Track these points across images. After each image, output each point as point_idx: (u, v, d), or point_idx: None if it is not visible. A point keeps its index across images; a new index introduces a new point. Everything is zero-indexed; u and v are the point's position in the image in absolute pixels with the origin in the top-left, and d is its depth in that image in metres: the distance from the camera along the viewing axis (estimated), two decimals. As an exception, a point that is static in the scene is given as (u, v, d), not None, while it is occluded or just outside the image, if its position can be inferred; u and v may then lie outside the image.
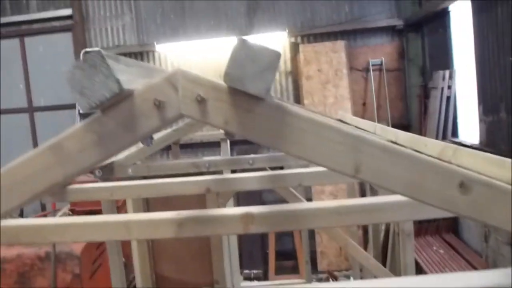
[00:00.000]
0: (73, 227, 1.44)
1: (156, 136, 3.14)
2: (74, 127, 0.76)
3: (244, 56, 0.67)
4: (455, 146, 1.92)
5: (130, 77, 0.77)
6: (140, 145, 3.04)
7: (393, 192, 0.79)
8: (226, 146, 5.32)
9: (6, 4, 9.62)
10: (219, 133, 4.51)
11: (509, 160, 1.52)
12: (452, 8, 7.50)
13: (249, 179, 2.18)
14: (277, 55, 0.68)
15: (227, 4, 9.22)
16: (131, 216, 1.51)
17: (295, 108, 0.75)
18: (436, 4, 7.48)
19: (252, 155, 2.89)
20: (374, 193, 3.78)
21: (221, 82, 0.73)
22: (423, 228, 7.31)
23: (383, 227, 4.76)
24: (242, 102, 0.72)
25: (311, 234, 7.60)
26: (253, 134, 0.75)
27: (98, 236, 1.53)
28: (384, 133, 3.02)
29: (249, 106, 0.73)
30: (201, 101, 0.72)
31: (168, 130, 2.98)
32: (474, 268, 5.86)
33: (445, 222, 7.27)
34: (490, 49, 6.15)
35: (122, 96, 0.72)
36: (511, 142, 5.71)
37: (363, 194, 6.37)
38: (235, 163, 2.86)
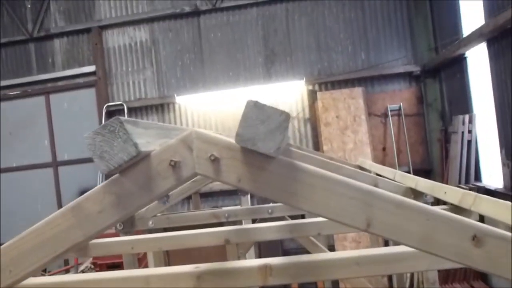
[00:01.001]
0: (94, 283, 1.45)
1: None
2: (94, 189, 0.80)
3: (254, 117, 0.71)
4: (475, 193, 1.91)
5: (148, 139, 0.81)
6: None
7: (407, 245, 0.79)
8: (246, 195, 5.34)
9: (33, 63, 10.10)
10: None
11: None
12: (469, 54, 7.57)
13: (268, 229, 2.18)
14: (286, 116, 0.71)
15: (245, 55, 9.51)
16: (150, 270, 1.52)
17: (306, 165, 0.77)
18: (452, 50, 7.57)
19: (271, 204, 2.90)
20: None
21: (233, 141, 0.77)
22: (450, 275, 7.06)
23: (408, 275, 4.62)
24: (254, 160, 0.75)
25: (335, 282, 7.40)
26: (265, 191, 0.77)
27: (117, 291, 1.54)
28: (404, 180, 3.01)
29: (261, 164, 0.76)
30: (214, 160, 0.75)
31: (188, 182, 3.03)
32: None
33: (473, 269, 6.99)
34: (509, 93, 6.14)
35: (140, 158, 0.76)
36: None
37: (386, 240, 6.23)
38: (254, 212, 2.87)
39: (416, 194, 2.72)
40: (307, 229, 2.19)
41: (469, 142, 7.42)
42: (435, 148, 9.01)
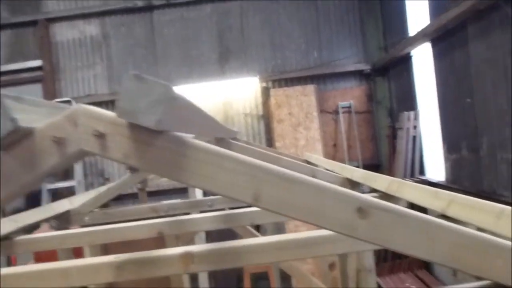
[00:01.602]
0: (7, 278, 1.40)
1: (116, 182, 3.12)
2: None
3: (135, 90, 0.70)
4: (399, 180, 1.97)
5: (36, 116, 0.79)
6: (97, 192, 3.01)
7: (294, 218, 0.81)
8: (194, 191, 5.30)
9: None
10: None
11: (442, 191, 1.57)
12: (414, 53, 7.82)
13: (202, 219, 2.17)
14: (167, 88, 0.71)
15: (199, 52, 9.44)
16: (68, 263, 1.48)
17: (194, 141, 0.77)
18: (399, 50, 7.80)
19: (211, 197, 2.89)
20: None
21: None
22: (395, 265, 7.29)
23: (353, 266, 4.72)
24: (140, 135, 0.74)
25: (287, 277, 7.47)
26: (153, 167, 0.76)
27: (35, 286, 1.49)
28: (342, 171, 3.08)
29: (147, 139, 0.75)
30: (100, 136, 0.74)
31: (126, 176, 2.97)
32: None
33: (417, 259, 7.25)
34: (450, 91, 6.39)
35: (22, 134, 0.73)
36: (473, 178, 5.83)
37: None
38: (194, 206, 2.85)
39: (353, 184, 2.79)
40: (240, 219, 2.20)
41: (414, 137, 7.68)
42: (384, 144, 9.26)
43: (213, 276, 8.01)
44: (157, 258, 1.47)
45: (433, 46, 6.83)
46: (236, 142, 3.02)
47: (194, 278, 6.94)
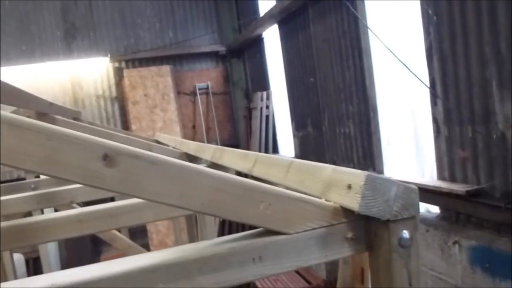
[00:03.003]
0: None
1: None
2: None
3: None
4: (223, 148, 1.99)
5: None
6: None
7: (24, 170, 0.72)
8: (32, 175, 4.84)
9: None
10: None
11: (251, 153, 1.60)
12: (265, 34, 8.10)
13: (13, 201, 1.95)
14: None
15: (40, 28, 8.60)
16: None
17: None
18: (251, 31, 8.01)
19: (35, 179, 2.63)
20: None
21: None
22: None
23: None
24: None
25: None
26: None
27: None
28: (181, 146, 3.04)
29: None
30: None
31: None
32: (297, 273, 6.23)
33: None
34: (296, 71, 6.75)
35: None
36: (318, 153, 6.29)
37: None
38: (15, 189, 2.57)
39: (191, 158, 2.77)
40: (59, 198, 2.03)
41: (267, 117, 8.01)
42: (241, 125, 9.51)
43: (66, 268, 7.52)
44: None
45: (280, 28, 7.14)
46: (61, 117, 2.79)
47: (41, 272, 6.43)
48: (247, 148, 8.94)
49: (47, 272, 5.52)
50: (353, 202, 0.88)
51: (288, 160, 1.29)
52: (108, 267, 0.78)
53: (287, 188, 1.00)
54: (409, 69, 3.84)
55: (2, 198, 2.00)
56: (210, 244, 0.86)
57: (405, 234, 0.90)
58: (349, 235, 0.92)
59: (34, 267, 7.35)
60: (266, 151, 7.91)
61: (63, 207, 2.30)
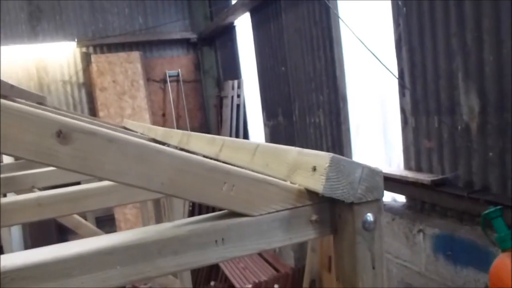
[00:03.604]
0: None
1: None
2: None
3: None
4: (190, 133, 1.96)
5: None
6: None
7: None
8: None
9: None
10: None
11: (218, 137, 1.58)
12: (237, 22, 8.04)
13: (-31, 186, 1.87)
14: None
15: (5, 10, 8.27)
16: None
17: None
18: (222, 19, 7.92)
19: (-4, 164, 2.53)
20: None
21: None
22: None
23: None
24: None
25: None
26: None
27: None
28: (149, 132, 2.99)
29: None
30: None
31: None
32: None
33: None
34: (267, 60, 6.73)
35: None
36: (288, 142, 6.31)
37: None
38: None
39: (158, 143, 2.72)
40: (19, 182, 1.96)
41: (238, 106, 7.97)
42: (212, 113, 9.45)
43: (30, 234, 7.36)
44: None
45: (252, 16, 7.09)
46: (38, 105, 2.69)
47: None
48: (218, 137, 8.88)
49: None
50: (317, 184, 0.87)
51: (255, 143, 1.27)
52: (64, 249, 0.75)
53: (253, 171, 0.99)
54: (378, 60, 3.88)
55: (-42, 182, 1.92)
56: (171, 226, 0.83)
57: (369, 217, 0.90)
58: (314, 217, 0.92)
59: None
60: (237, 140, 7.87)
61: (24, 192, 2.22)
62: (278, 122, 6.60)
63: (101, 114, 8.27)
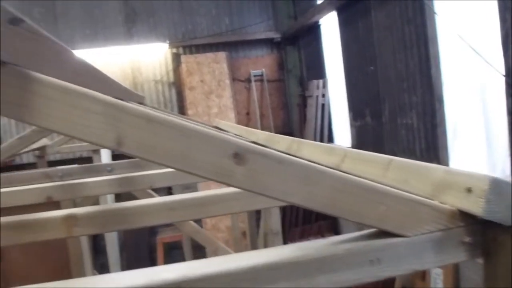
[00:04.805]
0: None
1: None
2: None
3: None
4: (301, 140, 1.97)
5: None
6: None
7: (162, 165, 0.73)
8: (99, 158, 5.03)
9: None
10: (86, 145, 4.24)
11: (338, 147, 1.58)
12: (322, 21, 7.97)
13: (96, 183, 2.03)
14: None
15: (103, 12, 8.85)
16: None
17: (43, 76, 0.66)
18: (308, 18, 7.89)
19: (111, 162, 2.73)
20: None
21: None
22: (305, 230, 7.59)
23: (262, 232, 4.81)
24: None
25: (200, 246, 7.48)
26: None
27: None
28: (249, 135, 3.06)
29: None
30: None
31: (13, 139, 2.70)
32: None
33: (326, 223, 7.64)
34: (355, 59, 6.61)
35: None
36: (376, 144, 6.15)
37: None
38: (92, 170, 2.67)
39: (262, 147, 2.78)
40: (138, 182, 2.09)
41: (323, 105, 7.91)
42: (295, 112, 9.46)
43: (124, 247, 7.81)
44: (38, 221, 1.34)
45: (339, 15, 6.99)
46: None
47: (101, 251, 6.70)
48: (301, 136, 8.88)
49: (111, 249, 5.76)
50: (474, 207, 0.85)
51: (387, 157, 1.25)
52: (228, 262, 0.79)
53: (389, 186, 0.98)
54: (483, 58, 3.66)
55: (83, 180, 2.09)
56: (327, 243, 0.85)
57: (527, 241, 0.86)
58: (466, 239, 0.89)
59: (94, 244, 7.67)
60: (321, 140, 7.83)
61: (140, 192, 2.38)
62: (366, 122, 6.46)
63: (189, 112, 8.58)
